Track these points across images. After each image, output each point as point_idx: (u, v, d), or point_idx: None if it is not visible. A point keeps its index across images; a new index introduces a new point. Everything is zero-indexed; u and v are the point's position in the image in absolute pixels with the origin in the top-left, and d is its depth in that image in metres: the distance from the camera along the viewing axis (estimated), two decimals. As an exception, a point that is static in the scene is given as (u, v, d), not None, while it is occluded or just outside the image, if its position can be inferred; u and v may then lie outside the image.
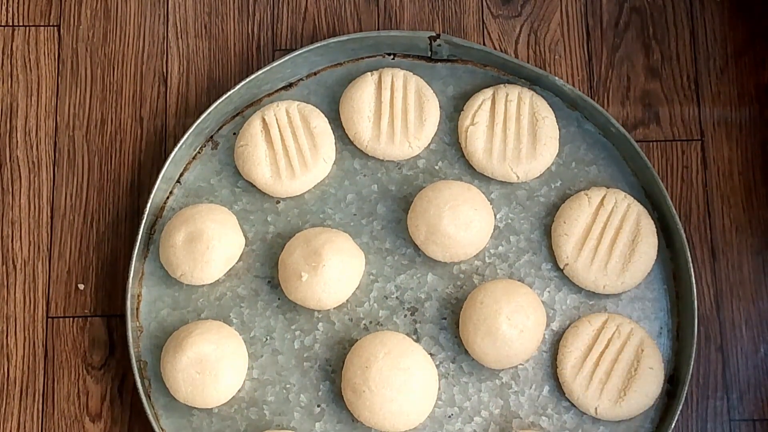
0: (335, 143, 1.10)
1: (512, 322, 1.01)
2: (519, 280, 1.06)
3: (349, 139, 1.10)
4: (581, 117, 1.10)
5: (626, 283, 1.05)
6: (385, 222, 1.08)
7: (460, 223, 1.04)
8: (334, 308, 1.06)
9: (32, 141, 1.12)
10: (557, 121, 1.09)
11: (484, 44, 1.14)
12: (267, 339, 1.06)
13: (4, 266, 1.10)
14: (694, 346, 1.03)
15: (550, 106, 1.09)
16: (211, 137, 1.11)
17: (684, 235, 1.04)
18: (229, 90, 1.08)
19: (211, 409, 1.04)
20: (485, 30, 1.15)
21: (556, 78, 1.08)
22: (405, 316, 1.06)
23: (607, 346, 1.04)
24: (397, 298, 1.07)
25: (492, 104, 1.09)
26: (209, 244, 1.04)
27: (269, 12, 1.16)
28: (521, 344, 1.02)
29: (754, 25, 1.14)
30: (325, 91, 1.12)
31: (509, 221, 1.08)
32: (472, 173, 1.09)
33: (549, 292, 1.06)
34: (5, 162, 1.12)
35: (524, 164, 1.07)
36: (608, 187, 1.08)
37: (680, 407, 1.02)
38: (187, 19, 1.15)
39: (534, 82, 1.10)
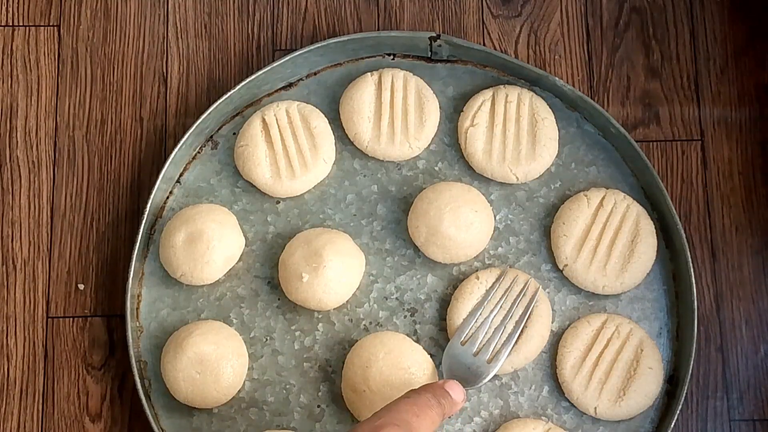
0: (335, 143, 1.10)
1: (512, 323, 1.02)
2: (519, 281, 1.07)
3: (349, 139, 1.10)
4: (581, 118, 1.10)
5: (626, 283, 1.05)
6: (385, 223, 1.08)
7: (461, 224, 1.04)
8: (334, 309, 1.06)
9: (32, 141, 1.12)
10: (557, 122, 1.09)
11: (484, 44, 1.14)
12: (267, 339, 1.06)
13: (4, 266, 1.10)
14: (694, 346, 1.03)
15: (550, 107, 1.09)
16: (211, 137, 1.11)
17: (684, 235, 1.04)
18: (229, 90, 1.08)
19: (211, 409, 1.04)
20: (485, 30, 1.15)
21: (556, 78, 1.08)
22: (405, 317, 1.06)
23: (606, 346, 1.04)
24: (397, 298, 1.07)
25: (492, 105, 1.08)
26: (209, 244, 1.04)
27: (269, 12, 1.16)
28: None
29: (754, 25, 1.14)
30: (325, 91, 1.12)
31: (509, 222, 1.08)
32: (472, 174, 1.09)
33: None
34: (5, 162, 1.12)
35: (524, 165, 1.07)
36: (608, 188, 1.07)
37: (680, 407, 1.02)
38: (187, 19, 1.15)
39: (534, 83, 1.10)
